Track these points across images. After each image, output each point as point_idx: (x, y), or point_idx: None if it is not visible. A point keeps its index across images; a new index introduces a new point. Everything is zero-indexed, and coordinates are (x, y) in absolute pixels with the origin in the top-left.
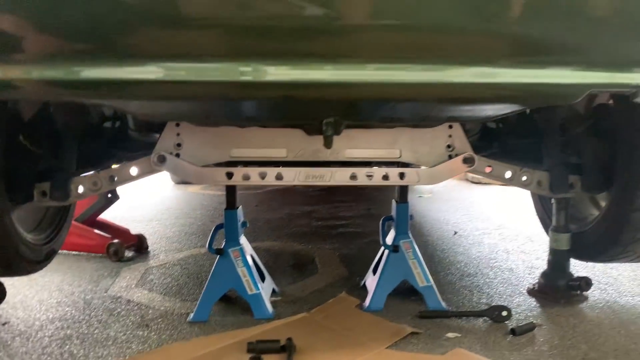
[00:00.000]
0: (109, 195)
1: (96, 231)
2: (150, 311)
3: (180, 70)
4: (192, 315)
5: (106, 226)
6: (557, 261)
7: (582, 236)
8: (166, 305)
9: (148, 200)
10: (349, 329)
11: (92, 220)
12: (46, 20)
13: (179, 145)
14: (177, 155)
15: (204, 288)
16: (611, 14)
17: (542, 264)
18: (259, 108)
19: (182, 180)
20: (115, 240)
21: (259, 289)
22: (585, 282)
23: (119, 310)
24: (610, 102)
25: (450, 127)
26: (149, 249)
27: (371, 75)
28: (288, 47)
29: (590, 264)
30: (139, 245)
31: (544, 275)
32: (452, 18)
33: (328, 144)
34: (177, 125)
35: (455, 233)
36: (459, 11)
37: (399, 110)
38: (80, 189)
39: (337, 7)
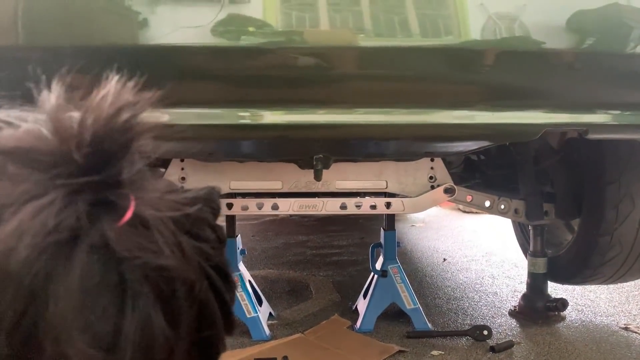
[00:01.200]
0: None
1: None
2: None
3: (189, 115)
4: None
5: None
6: (535, 284)
7: (557, 260)
8: None
9: None
10: (340, 347)
11: None
12: None
13: (183, 179)
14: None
15: None
16: (563, 70)
17: (524, 288)
18: (258, 146)
19: None
20: None
21: (256, 312)
22: (562, 303)
23: None
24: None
25: (432, 160)
26: None
27: (356, 118)
28: (281, 94)
29: (570, 287)
30: None
31: (524, 297)
32: (428, 70)
33: (318, 177)
34: (182, 161)
35: (445, 260)
36: (433, 64)
37: (382, 147)
38: None
39: (325, 60)
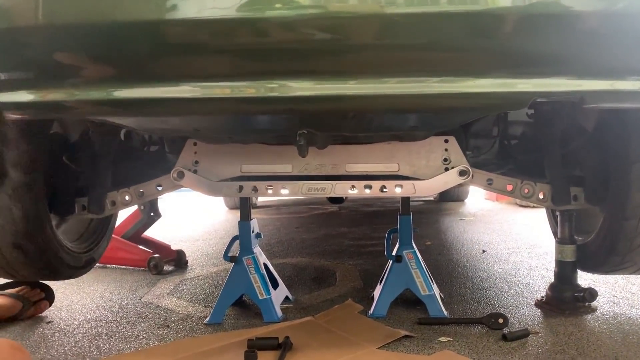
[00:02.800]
0: (151, 214)
1: (139, 247)
2: (173, 315)
3: (199, 88)
4: (208, 318)
5: (149, 242)
6: (563, 273)
7: (585, 247)
8: (189, 310)
9: (200, 223)
10: (346, 331)
11: (136, 237)
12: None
13: (196, 162)
14: (195, 171)
15: (220, 293)
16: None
17: None
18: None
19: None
20: (156, 255)
21: (269, 294)
22: (590, 293)
23: (147, 313)
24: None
25: (446, 141)
26: (189, 264)
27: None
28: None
29: (612, 279)
30: (178, 260)
31: (551, 287)
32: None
33: (302, 152)
34: (195, 144)
35: (484, 251)
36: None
37: (370, 122)
38: (114, 203)
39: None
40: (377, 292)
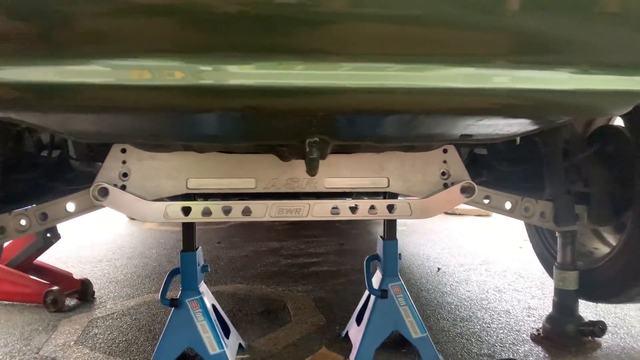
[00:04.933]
0: (48, 235)
1: (32, 277)
2: None
3: (111, 69)
4: None
5: (44, 270)
6: (564, 303)
7: (593, 274)
8: None
9: (98, 239)
10: None
11: (27, 265)
12: None
13: (125, 175)
14: (123, 187)
15: (156, 348)
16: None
17: (540, 304)
18: (221, 124)
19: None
20: (54, 288)
21: (222, 347)
22: (600, 328)
23: None
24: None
25: (445, 151)
26: (95, 295)
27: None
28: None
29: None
30: (83, 291)
31: (550, 319)
32: None
33: (312, 169)
34: (123, 151)
35: (439, 270)
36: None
37: (407, 127)
38: (3, 230)
39: None
40: (354, 335)
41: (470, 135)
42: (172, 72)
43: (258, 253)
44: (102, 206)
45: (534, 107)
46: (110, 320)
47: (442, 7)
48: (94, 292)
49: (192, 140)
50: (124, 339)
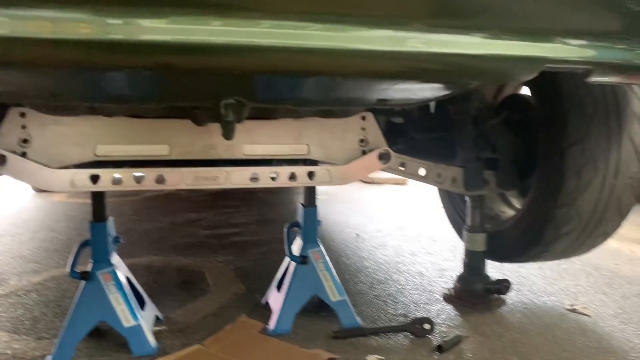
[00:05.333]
0: None
1: None
2: None
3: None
4: (49, 358)
5: None
6: (473, 264)
7: (499, 236)
8: (15, 347)
9: (0, 212)
10: None
11: None
12: None
13: (25, 141)
14: (24, 154)
15: (66, 322)
16: None
17: (451, 265)
18: (131, 83)
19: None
20: None
21: (137, 319)
22: (505, 285)
23: None
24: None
25: (364, 118)
26: None
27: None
28: None
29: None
30: None
31: (461, 279)
32: None
33: (228, 133)
34: (22, 115)
35: (358, 235)
36: None
37: (325, 89)
38: None
39: None
40: (274, 302)
41: (386, 100)
42: (77, 24)
43: (175, 225)
44: (0, 174)
45: (447, 72)
46: (15, 298)
47: None
48: None
49: (99, 101)
50: (29, 316)
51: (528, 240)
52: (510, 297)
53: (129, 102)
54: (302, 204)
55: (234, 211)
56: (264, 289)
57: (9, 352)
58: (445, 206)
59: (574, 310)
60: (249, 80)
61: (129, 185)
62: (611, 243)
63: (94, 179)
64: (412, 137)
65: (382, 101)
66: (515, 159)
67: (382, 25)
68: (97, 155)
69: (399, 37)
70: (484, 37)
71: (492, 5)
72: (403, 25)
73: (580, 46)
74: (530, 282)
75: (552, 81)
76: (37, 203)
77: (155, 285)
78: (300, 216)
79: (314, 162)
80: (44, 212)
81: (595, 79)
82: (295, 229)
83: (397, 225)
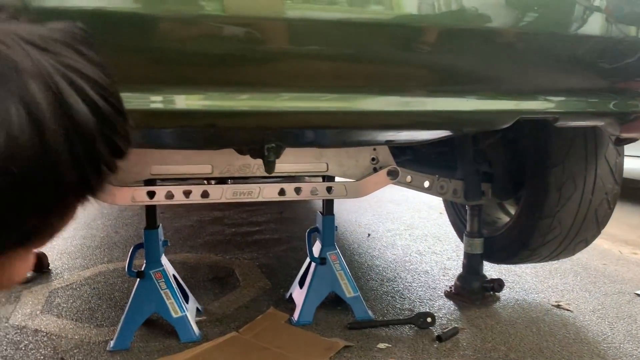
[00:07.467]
0: None
1: None
2: (63, 341)
3: None
4: (112, 343)
5: None
6: (472, 265)
7: (494, 241)
8: (80, 333)
9: None
10: (281, 346)
11: None
12: None
13: None
14: None
15: (125, 314)
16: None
17: (454, 265)
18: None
19: None
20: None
21: (184, 311)
22: (499, 284)
23: (26, 342)
24: None
25: None
26: (50, 267)
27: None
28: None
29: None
30: (38, 264)
31: (460, 278)
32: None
33: (270, 170)
34: None
35: (369, 235)
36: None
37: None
38: None
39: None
40: (297, 296)
41: (393, 141)
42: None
43: (202, 223)
44: None
45: (442, 123)
46: (71, 290)
47: (371, 47)
48: (48, 264)
49: (172, 148)
50: (87, 307)
51: (518, 246)
52: (504, 294)
53: (199, 148)
54: (320, 212)
55: (254, 209)
56: (286, 285)
57: (77, 337)
58: (448, 212)
59: (558, 306)
60: (285, 132)
61: (179, 199)
62: (602, 244)
63: (151, 194)
64: (417, 149)
65: (390, 142)
66: (509, 172)
67: (388, 93)
68: (152, 174)
69: (403, 101)
70: (471, 97)
71: (477, 75)
72: (406, 92)
73: (547, 101)
74: (523, 280)
75: None
76: None
77: (192, 280)
78: (319, 223)
79: (331, 178)
80: (79, 210)
81: (561, 123)
82: (315, 234)
83: (406, 225)
